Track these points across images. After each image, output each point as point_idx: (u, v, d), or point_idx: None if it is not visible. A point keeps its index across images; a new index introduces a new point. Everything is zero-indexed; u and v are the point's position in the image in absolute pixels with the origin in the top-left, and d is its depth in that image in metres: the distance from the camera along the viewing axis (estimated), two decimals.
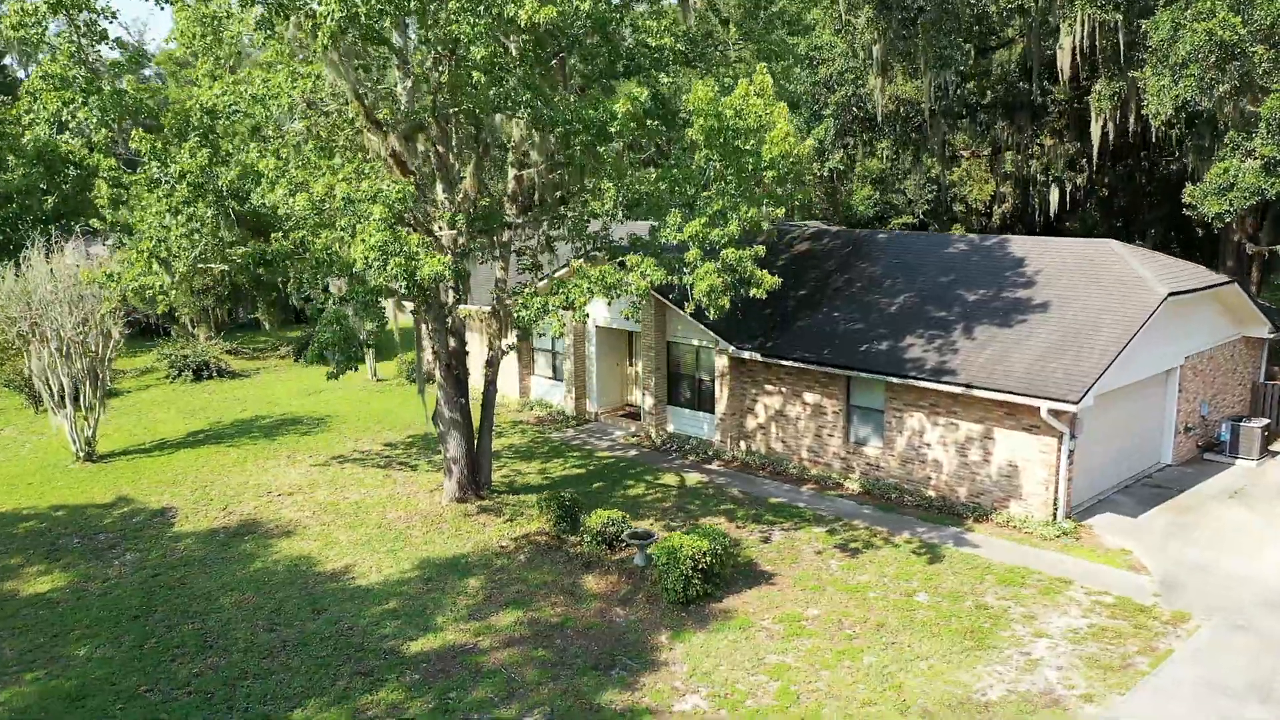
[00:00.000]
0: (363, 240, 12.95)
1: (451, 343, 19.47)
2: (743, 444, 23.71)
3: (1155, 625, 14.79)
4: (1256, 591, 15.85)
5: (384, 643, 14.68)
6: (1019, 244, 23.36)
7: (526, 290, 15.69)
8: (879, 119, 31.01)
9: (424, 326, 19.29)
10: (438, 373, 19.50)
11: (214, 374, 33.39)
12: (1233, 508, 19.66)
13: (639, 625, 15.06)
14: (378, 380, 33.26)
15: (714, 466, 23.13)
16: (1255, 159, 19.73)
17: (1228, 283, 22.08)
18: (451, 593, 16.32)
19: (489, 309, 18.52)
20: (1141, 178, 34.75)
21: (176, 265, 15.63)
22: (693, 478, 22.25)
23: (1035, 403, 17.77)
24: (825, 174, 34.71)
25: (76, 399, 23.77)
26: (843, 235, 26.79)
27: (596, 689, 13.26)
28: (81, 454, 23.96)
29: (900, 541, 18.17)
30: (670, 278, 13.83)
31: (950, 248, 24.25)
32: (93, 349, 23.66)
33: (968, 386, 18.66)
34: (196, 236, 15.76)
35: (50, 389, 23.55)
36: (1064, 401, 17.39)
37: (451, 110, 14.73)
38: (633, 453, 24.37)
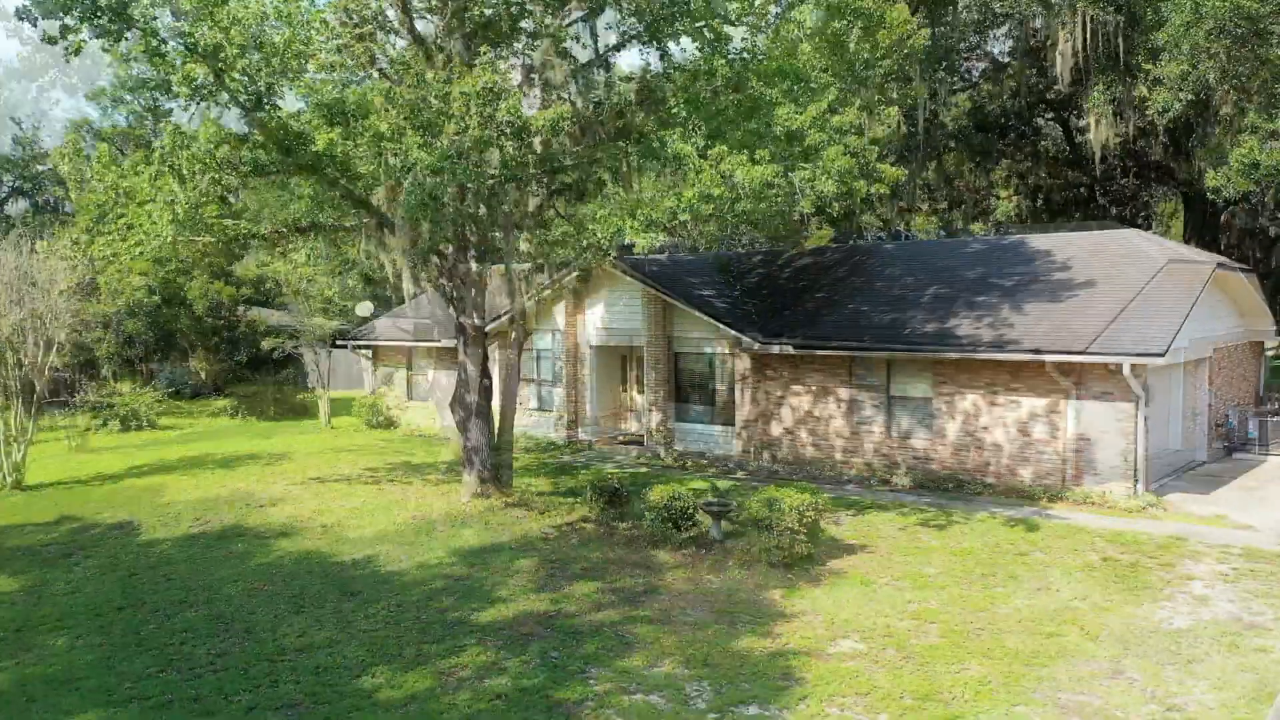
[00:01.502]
0: (461, 90, 11.07)
1: (474, 318, 17.44)
2: (766, 453, 21.98)
3: None
4: None
5: (445, 615, 12.18)
6: (1039, 239, 22.92)
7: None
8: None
9: (449, 297, 17.21)
10: (462, 349, 17.36)
11: (144, 425, 29.89)
12: None
13: (741, 587, 12.96)
14: (332, 428, 30.35)
15: (740, 476, 21.28)
16: (1278, 140, 19.98)
17: (1249, 270, 21.99)
18: (504, 573, 13.90)
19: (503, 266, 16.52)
20: (1140, 213, 35.82)
21: (188, 187, 13.29)
22: (724, 483, 20.32)
23: (1116, 360, 16.77)
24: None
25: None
26: (846, 248, 26.07)
27: (727, 638, 11.08)
28: (8, 480, 20.50)
29: (981, 518, 16.62)
30: (779, 178, 12.34)
31: (968, 248, 23.68)
32: (28, 358, 20.54)
33: (1035, 353, 17.59)
34: (210, 160, 13.55)
35: None
36: (1148, 355, 16.43)
37: None
38: (644, 469, 22.30)
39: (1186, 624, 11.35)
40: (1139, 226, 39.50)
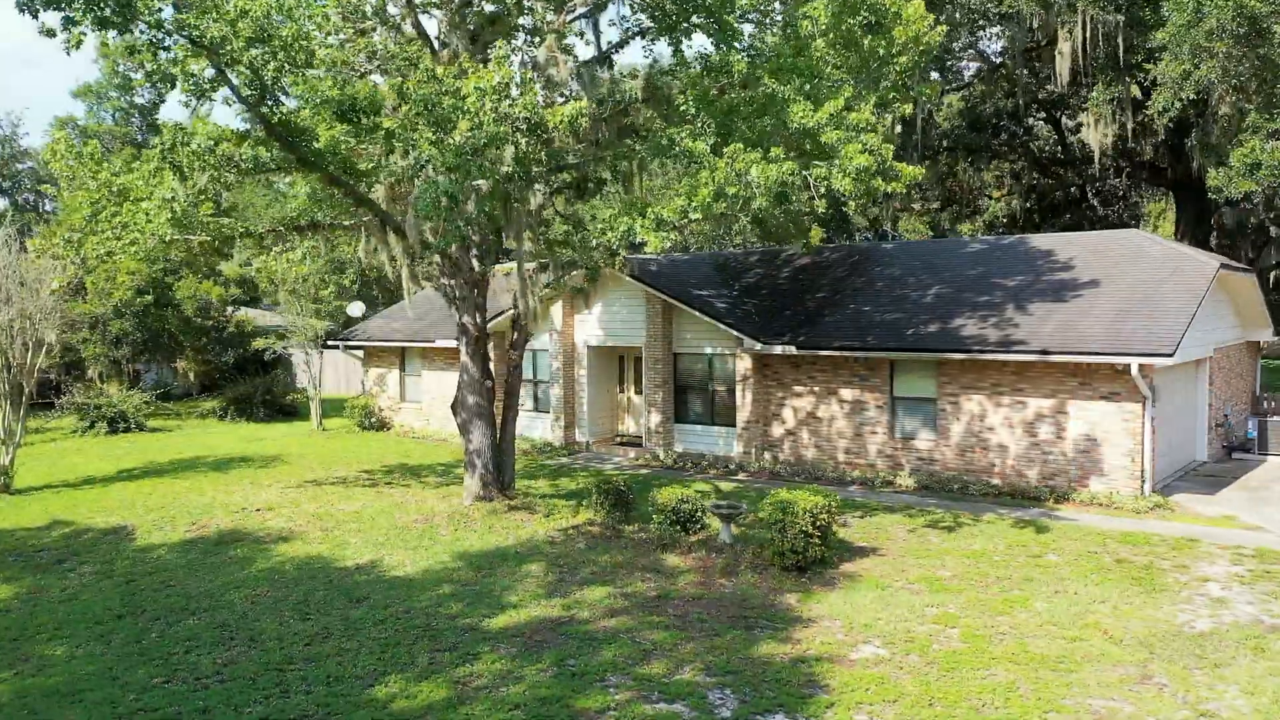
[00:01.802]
0: (476, 85, 10.79)
1: (478, 318, 17.18)
2: (768, 454, 21.81)
3: None
4: None
5: (455, 622, 11.91)
6: (1040, 239, 22.89)
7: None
8: None
9: (452, 296, 16.94)
10: (464, 350, 17.09)
11: (132, 427, 29.42)
12: None
13: (755, 591, 12.77)
14: (324, 430, 29.97)
15: (741, 478, 21.10)
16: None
17: (1248, 269, 21.98)
18: (512, 577, 13.65)
19: (511, 266, 16.13)
20: (1129, 213, 35.93)
21: (189, 184, 12.98)
22: (726, 485, 20.17)
23: (1124, 360, 16.68)
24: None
25: None
26: (844, 248, 25.91)
27: (747, 644, 10.88)
28: None
29: (989, 519, 16.51)
30: (792, 176, 12.10)
31: (967, 248, 23.60)
32: (16, 359, 20.10)
33: (1043, 353, 17.49)
34: (209, 157, 13.23)
35: None
36: (1157, 355, 16.36)
37: None
38: (645, 471, 22.10)
39: (1208, 627, 11.24)
40: (1128, 226, 39.78)
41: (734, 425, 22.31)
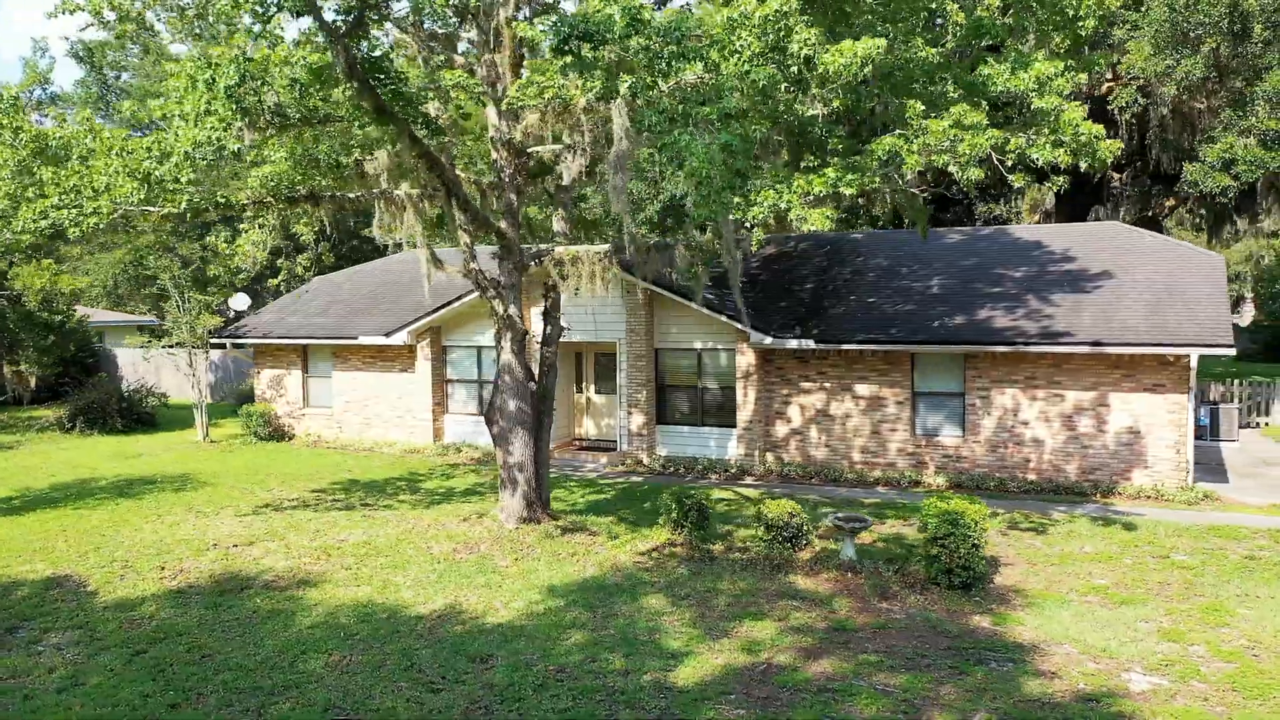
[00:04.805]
0: (729, 16, 8.48)
1: (522, 310, 14.74)
2: (771, 456, 20.43)
3: None
4: None
5: (633, 679, 9.72)
6: (1021, 230, 22.82)
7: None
8: None
9: (489, 284, 14.41)
10: (507, 348, 14.59)
11: None
12: None
13: (936, 616, 11.34)
14: (212, 442, 25.75)
15: (749, 482, 19.61)
16: (1252, 136, 20.79)
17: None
18: (641, 617, 11.51)
19: (575, 250, 13.77)
20: (1007, 206, 37.08)
21: (254, 126, 9.93)
22: (745, 491, 18.61)
23: (1182, 351, 16.53)
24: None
25: None
26: (812, 238, 24.91)
27: (1006, 683, 9.42)
28: None
29: (1062, 518, 15.90)
30: (995, 146, 10.67)
31: (947, 239, 23.20)
32: None
33: (1095, 344, 17.09)
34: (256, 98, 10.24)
35: None
36: (1216, 345, 16.30)
37: None
38: (635, 478, 20.18)
39: None
40: (1008, 221, 41.32)
41: (731, 426, 20.76)
